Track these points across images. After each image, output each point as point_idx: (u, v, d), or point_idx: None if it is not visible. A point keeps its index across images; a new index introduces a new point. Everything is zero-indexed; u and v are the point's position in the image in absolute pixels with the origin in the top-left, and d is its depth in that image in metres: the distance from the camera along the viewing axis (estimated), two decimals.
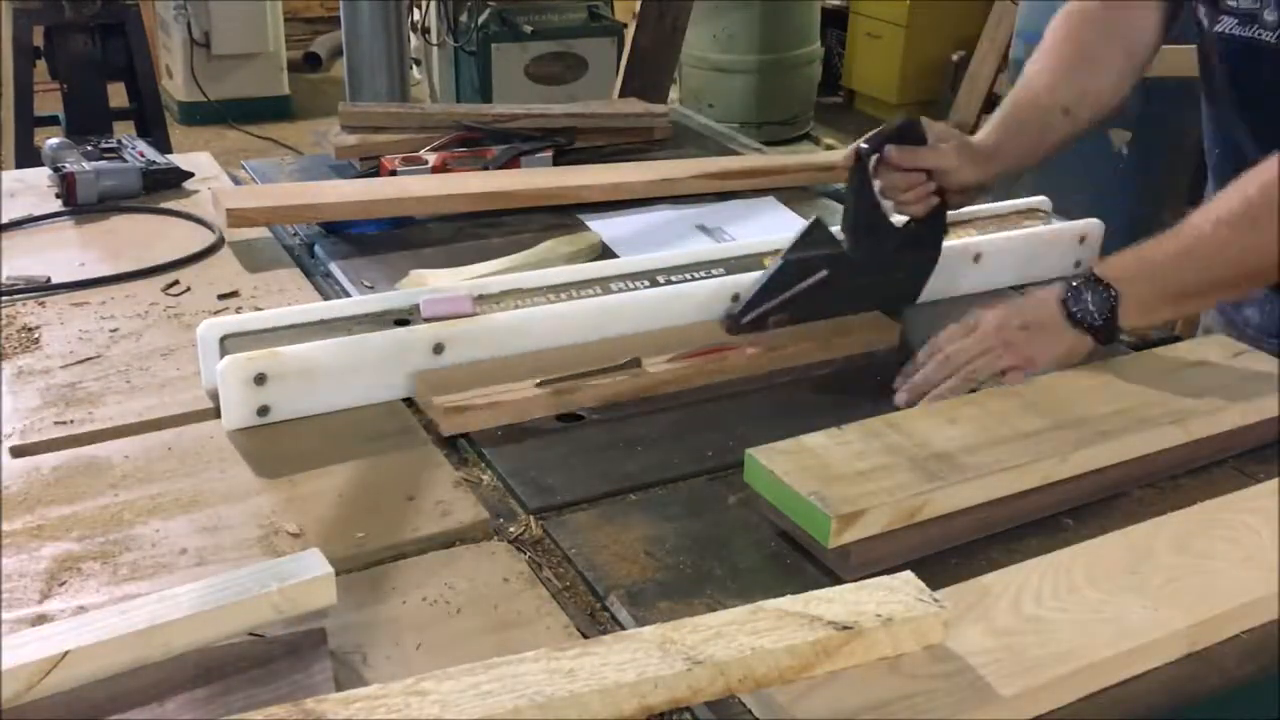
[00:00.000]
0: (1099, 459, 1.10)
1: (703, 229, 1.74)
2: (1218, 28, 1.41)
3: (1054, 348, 1.25)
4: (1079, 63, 1.51)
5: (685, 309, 1.38)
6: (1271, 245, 1.19)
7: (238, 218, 1.63)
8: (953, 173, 1.42)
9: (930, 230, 1.45)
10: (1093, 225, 1.62)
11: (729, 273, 1.44)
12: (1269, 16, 1.34)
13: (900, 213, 1.44)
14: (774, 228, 1.72)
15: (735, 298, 1.39)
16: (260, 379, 1.17)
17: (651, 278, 1.41)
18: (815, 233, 1.39)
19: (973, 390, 1.23)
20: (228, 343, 1.21)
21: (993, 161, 1.46)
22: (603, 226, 1.72)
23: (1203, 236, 1.23)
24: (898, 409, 1.20)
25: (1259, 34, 1.36)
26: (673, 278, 1.41)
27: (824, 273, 1.38)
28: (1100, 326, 1.23)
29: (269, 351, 1.18)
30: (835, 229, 1.41)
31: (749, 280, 1.39)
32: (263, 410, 1.19)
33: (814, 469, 1.03)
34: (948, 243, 1.49)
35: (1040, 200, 1.70)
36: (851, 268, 1.40)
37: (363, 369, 1.22)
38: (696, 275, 1.43)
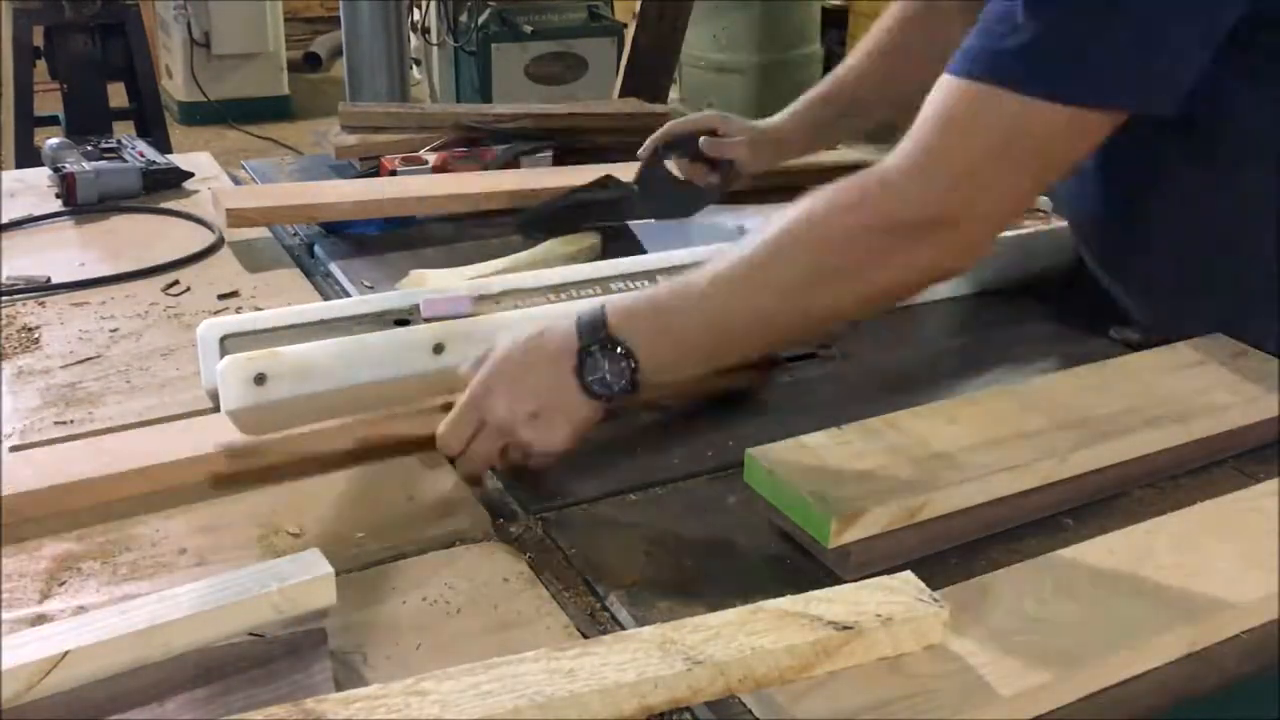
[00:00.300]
0: (1100, 458, 1.10)
1: (741, 231, 1.71)
2: None
3: (568, 427, 1.08)
4: (893, 61, 1.61)
5: None
6: (762, 305, 1.08)
7: (237, 217, 1.63)
8: (743, 163, 1.64)
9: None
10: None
11: None
12: None
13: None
14: None
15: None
16: (260, 379, 1.17)
17: (652, 277, 1.40)
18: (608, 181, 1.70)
19: None
20: (228, 343, 1.21)
21: (782, 149, 1.65)
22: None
23: (702, 290, 1.08)
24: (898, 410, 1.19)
25: None
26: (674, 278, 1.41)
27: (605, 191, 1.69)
28: (617, 394, 1.08)
29: (269, 351, 1.17)
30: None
31: None
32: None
33: (814, 469, 1.03)
34: None
35: (1040, 200, 1.70)
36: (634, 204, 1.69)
37: (362, 369, 1.22)
38: None
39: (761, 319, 1.10)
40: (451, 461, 1.13)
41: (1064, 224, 1.62)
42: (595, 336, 1.07)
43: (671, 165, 1.69)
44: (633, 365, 1.07)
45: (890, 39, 1.60)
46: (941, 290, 1.50)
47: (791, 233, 1.08)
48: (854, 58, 1.64)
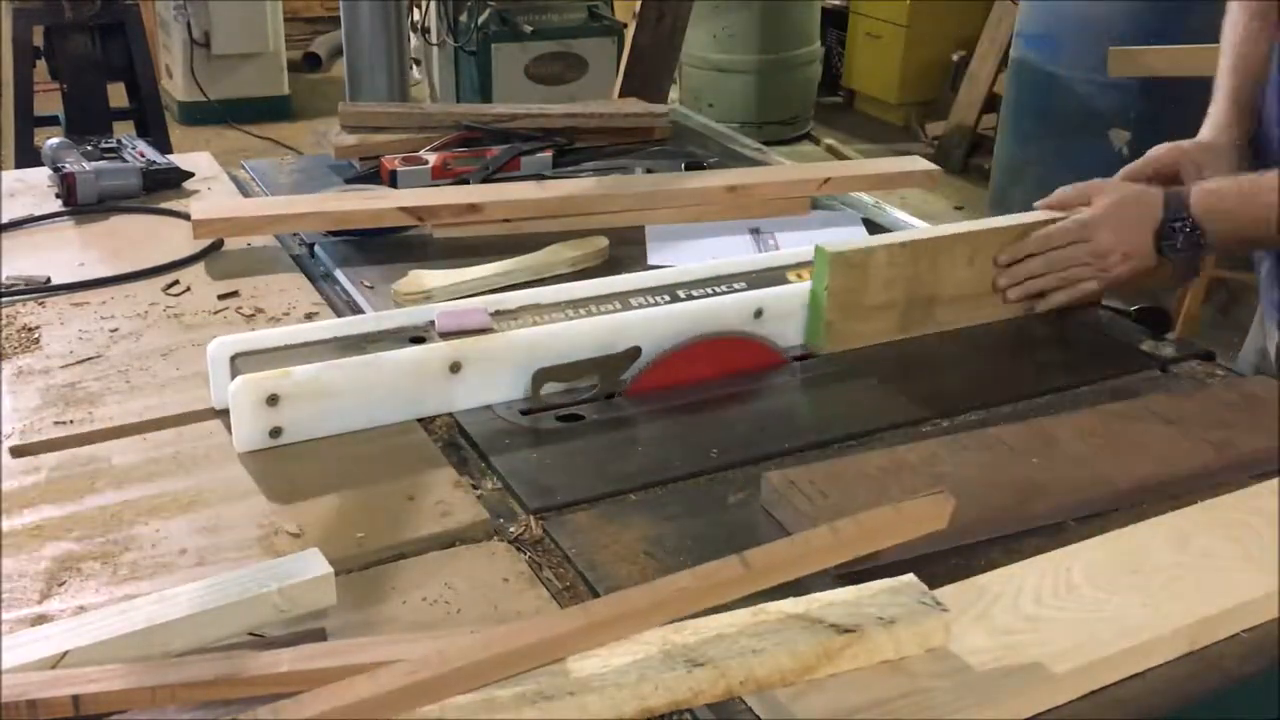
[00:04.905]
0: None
1: (755, 232, 1.71)
2: None
3: (1134, 272, 1.43)
4: (1261, 33, 1.65)
5: (706, 325, 1.33)
6: None
7: (205, 229, 1.60)
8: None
9: None
10: None
11: (750, 287, 1.40)
12: None
13: None
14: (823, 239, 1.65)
15: (759, 312, 1.37)
16: (273, 400, 1.16)
17: (672, 292, 1.37)
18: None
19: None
20: (239, 362, 1.20)
21: (1232, 155, 1.60)
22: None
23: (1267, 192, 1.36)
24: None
25: None
26: (694, 292, 1.37)
27: None
28: (1181, 261, 1.41)
29: (281, 371, 1.16)
30: None
31: (772, 295, 1.38)
32: (275, 431, 1.17)
33: None
34: None
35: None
36: None
37: (377, 389, 1.21)
38: (718, 290, 1.39)
39: None
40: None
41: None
42: (1178, 213, 1.40)
43: None
44: (1200, 242, 1.40)
45: (1253, 24, 1.67)
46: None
47: None
48: (1238, 48, 1.67)
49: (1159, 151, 1.61)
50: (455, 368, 1.23)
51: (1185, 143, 1.61)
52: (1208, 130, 1.64)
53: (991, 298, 1.47)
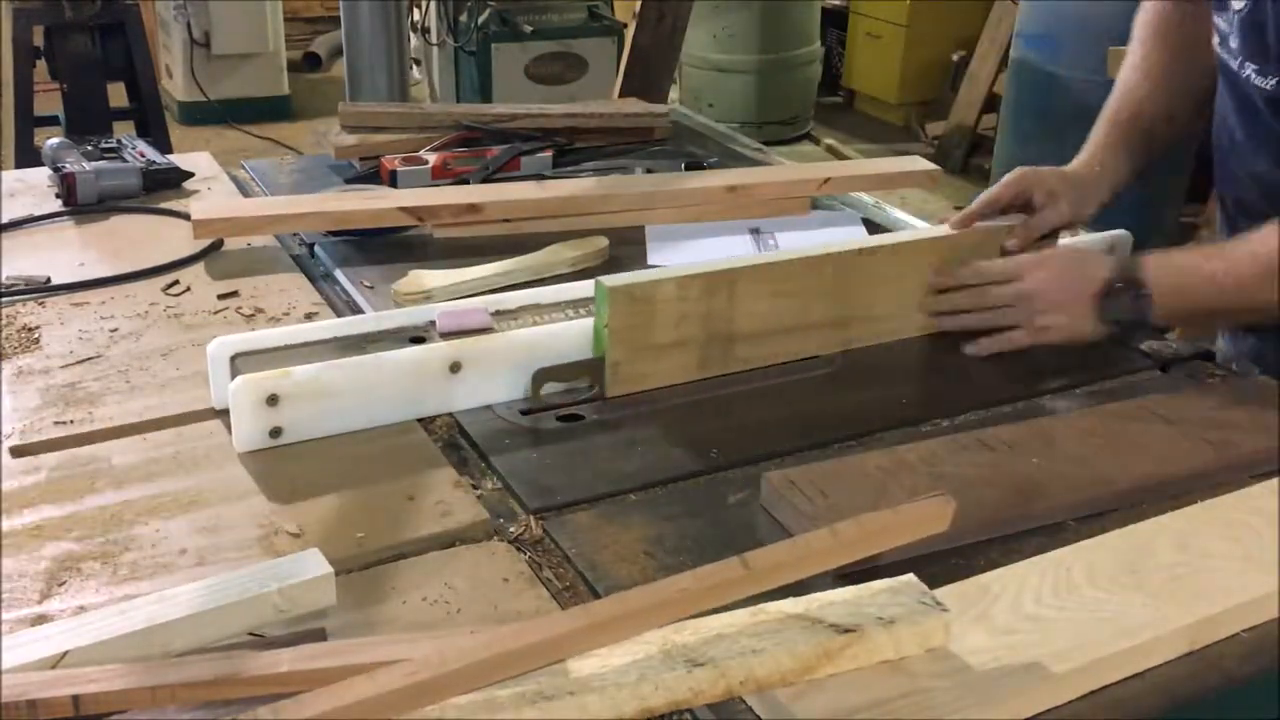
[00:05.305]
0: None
1: (755, 232, 1.71)
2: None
3: (1069, 332, 1.35)
4: (1173, 64, 1.54)
5: None
6: (1268, 298, 1.25)
7: (204, 229, 1.60)
8: (1067, 220, 1.50)
9: None
10: (1121, 236, 1.56)
11: None
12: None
13: None
14: (823, 239, 1.61)
15: None
16: (273, 400, 1.16)
17: None
18: None
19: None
20: (239, 362, 1.20)
21: (1098, 189, 1.51)
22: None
23: (1240, 275, 1.28)
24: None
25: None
26: None
27: None
28: (1122, 328, 1.33)
29: (281, 371, 1.16)
30: None
31: None
32: (275, 432, 1.17)
33: None
34: None
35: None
36: None
37: (377, 389, 1.21)
38: None
39: (1254, 313, 1.34)
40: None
41: (1094, 235, 1.58)
42: (1126, 274, 1.30)
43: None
44: (1145, 310, 1.29)
45: (1162, 47, 1.57)
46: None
47: None
48: (1133, 79, 1.57)
49: (1013, 175, 1.48)
50: (455, 368, 1.23)
51: (1045, 168, 1.49)
52: (1080, 157, 1.54)
53: (805, 331, 1.35)
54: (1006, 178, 1.49)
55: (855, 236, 1.67)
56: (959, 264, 1.40)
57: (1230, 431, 1.18)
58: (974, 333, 1.38)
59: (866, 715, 0.80)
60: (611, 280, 1.25)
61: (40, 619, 0.92)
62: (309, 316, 1.45)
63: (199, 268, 1.59)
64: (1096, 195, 1.51)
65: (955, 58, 5.84)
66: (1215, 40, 1.44)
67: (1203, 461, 1.14)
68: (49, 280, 1.52)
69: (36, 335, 1.39)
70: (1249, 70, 1.37)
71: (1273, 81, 1.34)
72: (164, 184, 1.84)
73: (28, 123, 4.01)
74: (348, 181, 1.86)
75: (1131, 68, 1.58)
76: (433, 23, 4.95)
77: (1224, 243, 1.33)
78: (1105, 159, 1.52)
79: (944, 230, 1.44)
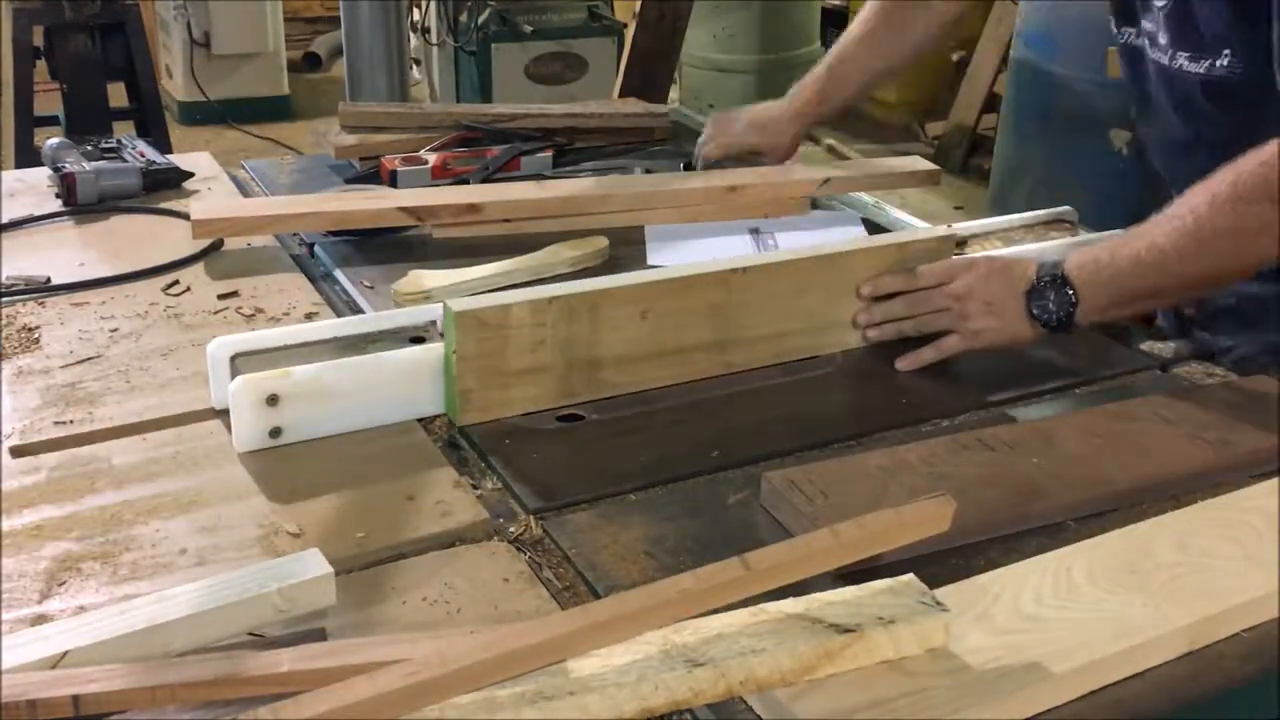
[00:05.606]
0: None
1: (754, 232, 1.71)
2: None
3: (1004, 334, 1.32)
4: (887, 30, 1.80)
5: None
6: (1224, 263, 1.25)
7: (204, 229, 1.60)
8: (769, 146, 1.88)
9: None
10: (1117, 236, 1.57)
11: None
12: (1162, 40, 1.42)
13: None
14: (823, 239, 1.65)
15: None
16: (273, 400, 1.16)
17: None
18: None
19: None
20: (238, 362, 1.20)
21: (800, 119, 1.87)
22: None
23: (1163, 246, 1.24)
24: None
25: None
26: None
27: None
28: (1055, 326, 1.28)
29: (281, 371, 1.16)
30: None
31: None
32: (275, 432, 1.17)
33: None
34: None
35: (1065, 210, 1.73)
36: None
37: (377, 389, 1.21)
38: None
39: (1187, 287, 1.31)
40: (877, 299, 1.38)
41: (1091, 235, 1.60)
42: (1049, 274, 1.28)
43: None
44: (1073, 304, 1.27)
45: (869, 29, 1.82)
46: None
47: (1218, 213, 1.22)
48: (851, 37, 1.84)
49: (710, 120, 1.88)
50: None
51: (743, 109, 1.87)
52: (786, 98, 1.85)
53: (682, 355, 1.30)
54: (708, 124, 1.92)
55: (855, 236, 1.67)
56: (886, 273, 1.38)
57: (1230, 431, 1.18)
58: (906, 346, 1.36)
59: (866, 715, 0.80)
60: (459, 304, 1.19)
61: (40, 619, 0.92)
62: (309, 316, 1.45)
63: (199, 268, 1.59)
64: (788, 129, 1.88)
65: (955, 58, 5.84)
66: (1145, 44, 1.47)
67: (1203, 461, 1.14)
68: (49, 280, 1.52)
69: (36, 335, 1.39)
70: (1181, 60, 1.40)
71: (1205, 63, 1.37)
72: (164, 184, 1.84)
73: (28, 123, 4.01)
74: (348, 181, 1.86)
75: (851, 29, 1.85)
76: (433, 23, 4.95)
77: (1147, 220, 1.29)
78: (812, 95, 1.85)
79: (831, 249, 1.39)
